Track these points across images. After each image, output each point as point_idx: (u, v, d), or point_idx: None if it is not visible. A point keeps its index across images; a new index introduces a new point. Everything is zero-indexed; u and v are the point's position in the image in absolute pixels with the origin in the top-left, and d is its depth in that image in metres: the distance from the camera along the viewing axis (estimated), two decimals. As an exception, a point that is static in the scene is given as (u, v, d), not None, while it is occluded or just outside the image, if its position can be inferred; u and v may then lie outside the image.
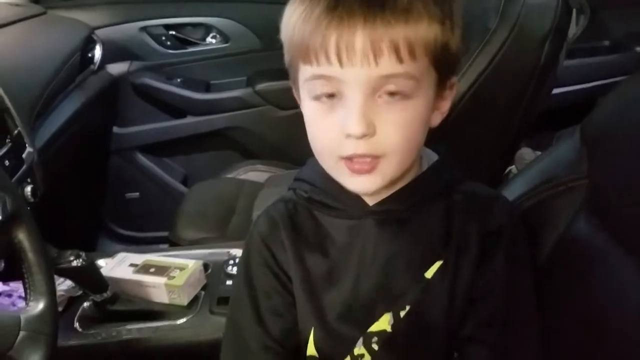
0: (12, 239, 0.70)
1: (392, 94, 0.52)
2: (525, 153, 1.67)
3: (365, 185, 0.57)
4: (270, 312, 0.66)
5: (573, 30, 1.10)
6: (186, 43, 1.96)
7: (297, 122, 0.62)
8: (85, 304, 0.95)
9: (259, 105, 1.86)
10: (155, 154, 1.97)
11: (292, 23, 0.54)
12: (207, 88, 1.94)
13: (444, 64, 0.55)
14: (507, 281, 0.61)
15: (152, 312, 0.94)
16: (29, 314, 0.68)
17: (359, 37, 0.50)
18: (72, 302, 0.96)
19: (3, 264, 0.81)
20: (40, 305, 0.70)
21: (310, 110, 0.57)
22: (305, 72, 0.55)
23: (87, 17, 1.80)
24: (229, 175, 1.67)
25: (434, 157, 0.65)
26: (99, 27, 1.79)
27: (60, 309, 0.90)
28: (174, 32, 1.93)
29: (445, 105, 0.60)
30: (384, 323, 0.62)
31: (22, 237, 0.70)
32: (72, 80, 1.57)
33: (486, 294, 0.61)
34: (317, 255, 0.64)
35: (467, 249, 0.61)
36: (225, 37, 1.93)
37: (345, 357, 0.63)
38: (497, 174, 1.25)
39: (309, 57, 0.53)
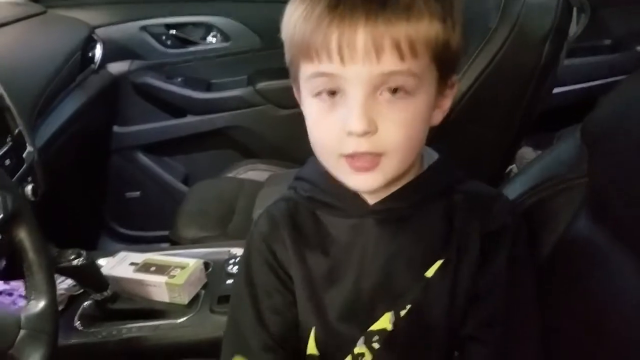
0: (12, 238, 0.70)
1: (393, 91, 0.53)
2: (526, 152, 1.67)
3: (367, 182, 0.57)
4: (270, 311, 0.66)
5: (574, 29, 1.10)
6: (187, 42, 1.96)
7: (298, 121, 0.62)
8: (86, 303, 0.95)
9: (259, 104, 1.86)
10: (155, 153, 1.97)
11: (293, 22, 0.55)
12: (208, 87, 1.94)
13: (444, 61, 0.55)
14: (508, 280, 0.61)
15: (153, 311, 0.94)
16: (29, 312, 0.69)
17: (361, 34, 0.50)
18: (73, 300, 0.96)
19: (4, 263, 0.81)
20: (40, 304, 0.70)
21: (311, 108, 0.57)
22: (306, 70, 0.55)
23: (88, 16, 1.80)
24: (230, 175, 1.67)
25: (435, 156, 0.65)
26: (99, 26, 1.79)
27: (60, 307, 0.90)
28: (174, 32, 1.94)
29: (446, 104, 0.60)
30: (384, 322, 0.62)
31: (23, 236, 0.71)
32: (72, 80, 1.57)
33: (487, 293, 0.61)
34: (318, 255, 0.64)
35: (467, 248, 0.61)
36: (225, 36, 1.93)
37: (346, 356, 0.64)
38: (498, 173, 1.25)
39: (310, 55, 0.53)
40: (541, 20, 1.05)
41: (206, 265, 1.01)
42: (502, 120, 1.15)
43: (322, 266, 0.64)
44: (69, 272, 0.86)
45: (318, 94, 0.55)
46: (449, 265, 0.61)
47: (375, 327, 0.62)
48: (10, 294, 0.96)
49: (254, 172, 1.66)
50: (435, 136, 0.62)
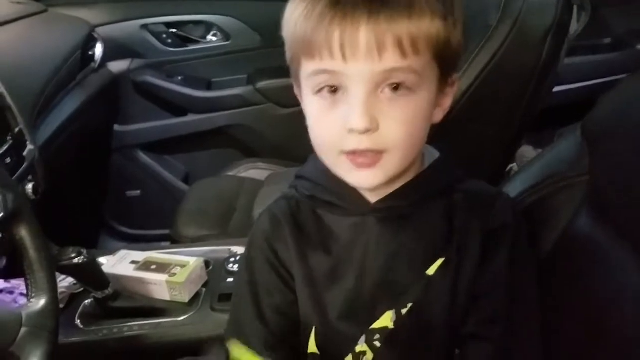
0: (13, 237, 0.70)
1: (395, 88, 0.53)
2: (526, 151, 1.67)
3: (368, 179, 0.57)
4: (272, 310, 0.66)
5: (574, 27, 1.10)
6: (187, 41, 1.96)
7: (298, 120, 0.62)
8: (87, 301, 0.95)
9: (259, 103, 1.86)
10: (156, 151, 1.98)
11: (294, 19, 0.55)
12: (208, 86, 1.95)
13: (446, 59, 0.55)
14: (509, 279, 0.61)
15: (154, 309, 0.94)
16: (30, 310, 0.69)
17: (363, 32, 0.50)
18: (74, 299, 0.96)
19: (5, 261, 0.81)
20: (41, 302, 0.70)
21: (312, 105, 0.57)
22: (307, 67, 0.55)
23: (88, 14, 1.80)
24: (230, 173, 1.67)
25: (435, 154, 0.65)
26: (99, 25, 1.80)
27: (61, 305, 0.90)
28: (174, 30, 1.93)
29: (447, 102, 0.60)
30: (386, 320, 0.62)
31: (24, 234, 0.71)
32: (73, 78, 1.57)
33: (488, 292, 0.61)
34: (319, 253, 0.64)
35: (469, 246, 0.61)
36: (226, 35, 1.93)
37: (347, 354, 0.64)
38: (498, 171, 1.25)
39: (312, 53, 0.53)
40: (542, 18, 1.05)
41: (207, 263, 1.01)
42: (503, 119, 1.15)
43: (323, 265, 0.64)
44: (69, 270, 0.86)
45: (319, 91, 0.55)
46: (451, 263, 0.61)
47: (376, 325, 0.62)
48: (11, 292, 0.96)
49: (254, 171, 1.65)
50: (436, 134, 0.62)
